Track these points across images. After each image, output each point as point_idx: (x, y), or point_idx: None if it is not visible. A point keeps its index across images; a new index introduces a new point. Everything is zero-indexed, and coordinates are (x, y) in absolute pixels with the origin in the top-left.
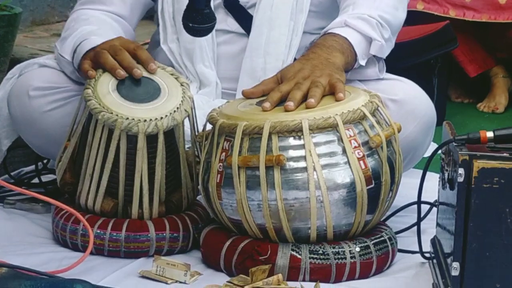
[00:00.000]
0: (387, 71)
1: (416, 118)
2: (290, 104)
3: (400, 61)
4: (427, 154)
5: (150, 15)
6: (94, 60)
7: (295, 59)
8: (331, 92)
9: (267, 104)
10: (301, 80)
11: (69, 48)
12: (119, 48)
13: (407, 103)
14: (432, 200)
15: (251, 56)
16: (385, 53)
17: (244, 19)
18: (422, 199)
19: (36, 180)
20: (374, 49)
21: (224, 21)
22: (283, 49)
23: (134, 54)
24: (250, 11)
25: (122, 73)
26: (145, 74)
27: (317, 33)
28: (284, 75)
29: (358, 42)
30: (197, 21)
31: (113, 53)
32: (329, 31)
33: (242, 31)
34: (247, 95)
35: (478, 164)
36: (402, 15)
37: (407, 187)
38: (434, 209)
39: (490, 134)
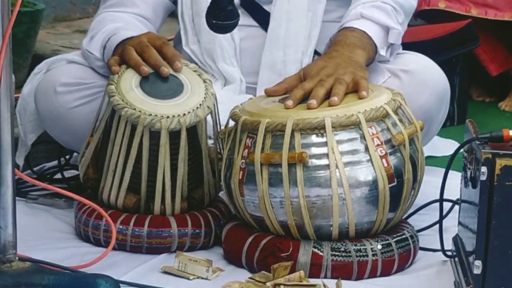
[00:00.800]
0: None
1: (429, 87)
2: (313, 102)
3: None
4: (449, 152)
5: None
6: (121, 56)
7: (315, 50)
8: (354, 89)
9: (290, 102)
10: (325, 77)
11: (98, 44)
12: (146, 45)
13: (419, 72)
14: (454, 199)
15: (270, 49)
16: (400, 39)
17: (262, 16)
18: (444, 197)
19: (58, 176)
20: (393, 37)
21: (243, 18)
22: (302, 41)
23: (160, 51)
24: (267, 7)
25: (146, 69)
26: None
27: (338, 21)
28: (307, 73)
29: (377, 33)
30: (221, 18)
31: (140, 49)
32: (346, 25)
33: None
34: (269, 93)
35: (501, 162)
36: None
37: (429, 185)
38: (456, 207)
39: None
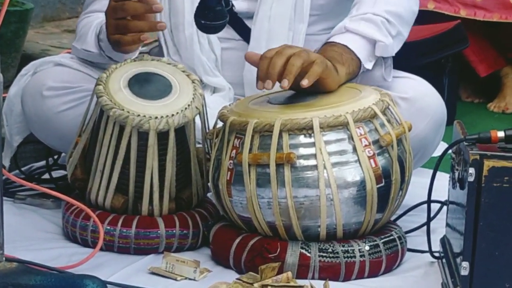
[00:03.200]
0: (398, 69)
1: (427, 116)
2: (284, 82)
3: (411, 61)
4: (437, 153)
5: None
6: (120, 28)
7: None
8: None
9: (268, 85)
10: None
11: (92, 39)
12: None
13: (418, 101)
14: (442, 200)
15: (250, 70)
16: (393, 51)
17: (244, 31)
18: (432, 198)
19: (46, 176)
20: (379, 50)
21: (225, 31)
22: None
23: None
24: (248, 22)
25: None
26: (156, 71)
27: (323, 33)
28: None
29: (360, 46)
30: (209, 18)
31: (120, 8)
32: (329, 40)
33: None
34: (249, 58)
35: (488, 163)
36: (415, 3)
37: (417, 186)
38: (444, 208)
39: (501, 134)
